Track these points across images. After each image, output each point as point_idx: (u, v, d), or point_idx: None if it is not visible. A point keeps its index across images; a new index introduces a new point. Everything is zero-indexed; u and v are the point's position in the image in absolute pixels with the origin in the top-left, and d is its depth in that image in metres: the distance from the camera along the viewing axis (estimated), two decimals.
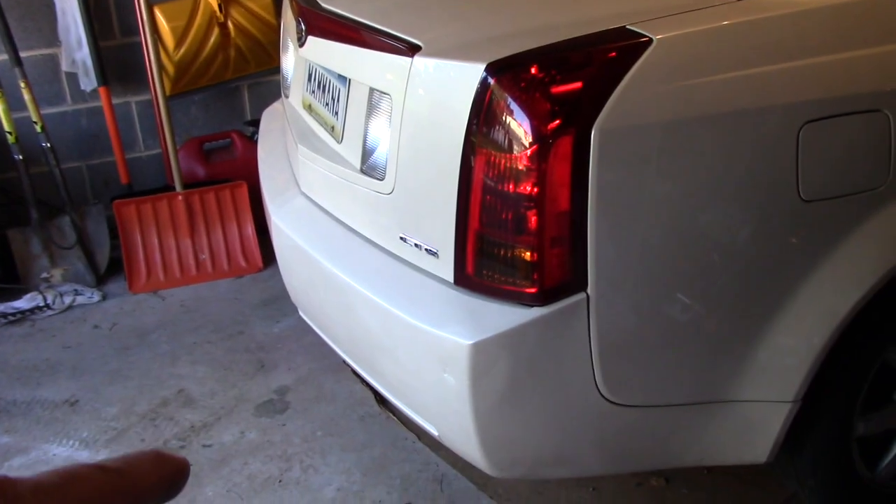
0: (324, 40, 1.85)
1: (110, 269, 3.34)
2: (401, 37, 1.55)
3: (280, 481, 2.20)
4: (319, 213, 1.89)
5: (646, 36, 1.33)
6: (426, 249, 1.50)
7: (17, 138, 3.15)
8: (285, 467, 2.25)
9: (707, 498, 2.09)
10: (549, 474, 1.84)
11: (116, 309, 3.13)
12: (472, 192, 1.40)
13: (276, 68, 3.25)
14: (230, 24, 3.40)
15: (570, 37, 1.37)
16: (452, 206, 1.43)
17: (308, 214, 1.91)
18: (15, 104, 3.16)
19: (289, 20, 2.19)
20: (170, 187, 3.39)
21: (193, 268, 3.32)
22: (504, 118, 1.34)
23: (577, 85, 1.32)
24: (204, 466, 2.26)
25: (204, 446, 2.35)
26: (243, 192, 3.38)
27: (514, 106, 1.34)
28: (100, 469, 0.37)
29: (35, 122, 3.16)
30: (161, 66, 3.24)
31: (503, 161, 1.36)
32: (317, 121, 1.96)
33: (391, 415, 2.42)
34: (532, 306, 1.39)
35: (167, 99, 3.29)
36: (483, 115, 1.36)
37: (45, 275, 3.23)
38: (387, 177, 1.58)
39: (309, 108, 2.02)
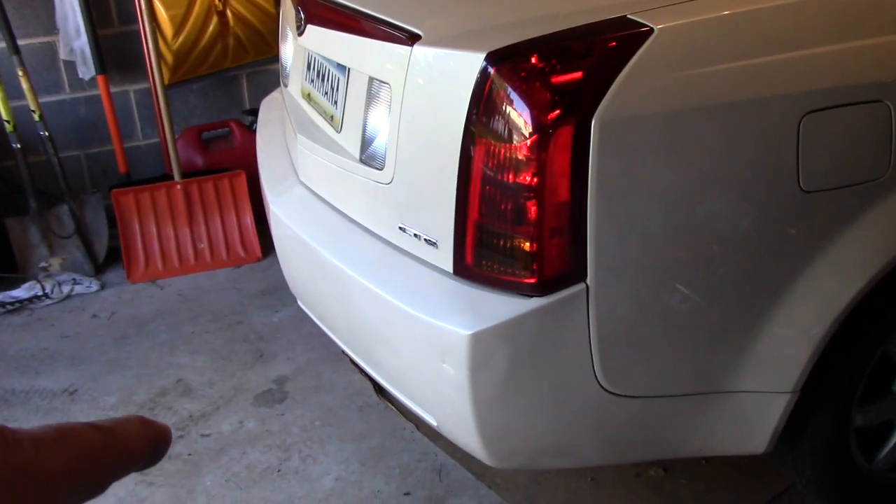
0: (323, 29, 1.85)
1: (109, 259, 3.34)
2: (400, 26, 1.54)
3: (279, 471, 2.20)
4: (318, 203, 1.88)
5: (647, 25, 1.32)
6: (425, 239, 1.50)
7: (15, 127, 3.14)
8: (284, 457, 2.25)
9: (705, 488, 2.09)
10: (547, 464, 1.84)
11: (115, 298, 3.12)
12: (472, 182, 1.39)
13: (275, 57, 3.24)
14: (229, 13, 3.39)
15: (570, 26, 1.36)
16: (452, 195, 1.42)
17: (307, 204, 1.91)
18: (13, 92, 3.15)
19: (288, 9, 2.18)
20: (168, 176, 3.38)
21: (192, 257, 3.32)
22: (504, 108, 1.34)
23: (578, 75, 1.32)
24: (202, 456, 2.26)
25: (202, 436, 2.35)
26: (242, 181, 3.38)
27: (514, 95, 1.33)
28: (92, 427, 0.39)
29: (33, 111, 3.15)
30: (159, 55, 3.23)
31: (503, 151, 1.35)
32: (316, 110, 1.95)
33: (390, 405, 2.42)
34: (531, 296, 1.38)
35: (165, 88, 3.28)
36: (483, 104, 1.35)
37: (43, 264, 3.23)
38: (386, 166, 1.58)
39: (308, 98, 2.02)
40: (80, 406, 2.50)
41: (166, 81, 3.30)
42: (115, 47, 3.44)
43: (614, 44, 1.32)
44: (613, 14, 1.36)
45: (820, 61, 1.41)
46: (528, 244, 1.37)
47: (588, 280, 1.38)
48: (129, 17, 3.39)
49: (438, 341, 1.43)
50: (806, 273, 1.49)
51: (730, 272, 1.48)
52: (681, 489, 2.09)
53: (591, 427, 1.55)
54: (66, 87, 3.43)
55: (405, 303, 1.49)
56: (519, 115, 1.33)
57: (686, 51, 1.36)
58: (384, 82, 1.58)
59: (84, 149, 3.55)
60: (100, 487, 0.39)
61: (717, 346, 1.53)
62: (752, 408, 1.58)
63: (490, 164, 1.37)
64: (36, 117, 3.16)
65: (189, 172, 3.40)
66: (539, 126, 1.32)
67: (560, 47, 1.35)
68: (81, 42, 3.24)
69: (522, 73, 1.34)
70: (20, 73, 3.09)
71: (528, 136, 1.33)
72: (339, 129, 1.79)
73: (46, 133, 3.19)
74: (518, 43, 1.35)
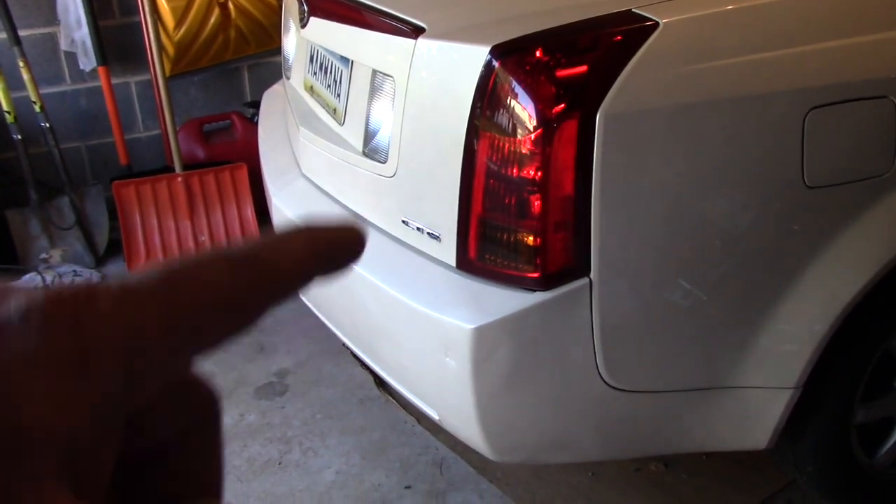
0: (326, 21, 1.84)
1: (109, 250, 3.33)
2: (404, 18, 1.53)
3: (279, 464, 2.20)
4: (320, 196, 1.88)
5: (652, 20, 1.32)
6: (428, 233, 1.50)
7: (15, 118, 3.13)
8: (285, 450, 2.25)
9: (706, 483, 2.09)
10: (549, 459, 1.84)
11: None
12: (476, 176, 1.39)
13: (277, 49, 3.23)
14: (231, 5, 3.37)
15: (575, 20, 1.36)
16: (455, 189, 1.42)
17: (309, 197, 1.91)
18: (14, 84, 3.14)
19: (291, 1, 2.17)
20: (169, 168, 3.38)
21: (193, 249, 3.32)
22: (508, 101, 1.33)
23: (583, 68, 1.31)
24: None
25: None
26: (243, 173, 3.37)
27: (518, 89, 1.33)
28: (225, 260, 0.26)
29: (34, 102, 3.14)
30: (161, 47, 3.22)
31: (507, 145, 1.35)
32: (318, 102, 1.94)
33: (391, 398, 2.42)
34: (534, 291, 1.38)
35: (167, 79, 3.27)
36: (487, 98, 1.35)
37: (43, 255, 3.22)
38: (389, 160, 1.57)
39: (310, 90, 2.01)
40: None
41: (167, 73, 3.29)
42: (117, 39, 3.42)
43: (619, 38, 1.32)
44: (619, 8, 1.35)
45: (825, 57, 1.41)
46: (531, 238, 1.37)
47: (591, 275, 1.37)
48: (131, 8, 3.38)
49: (441, 335, 1.43)
50: (809, 268, 1.49)
51: (733, 267, 1.47)
52: (681, 484, 2.09)
53: (593, 422, 1.55)
54: (67, 78, 3.42)
55: (408, 296, 1.49)
56: (523, 109, 1.33)
57: (691, 45, 1.36)
58: (388, 75, 1.57)
59: (85, 140, 3.54)
60: (243, 323, 0.26)
61: (719, 341, 1.53)
62: (754, 403, 1.58)
63: (494, 158, 1.37)
64: (37, 108, 3.15)
65: (190, 165, 3.39)
66: (543, 120, 1.31)
67: (565, 41, 1.34)
68: (82, 33, 3.23)
69: (527, 67, 1.33)
70: (21, 63, 3.08)
71: (532, 129, 1.32)
72: (341, 122, 1.78)
73: (47, 124, 3.18)
74: (523, 36, 1.34)
